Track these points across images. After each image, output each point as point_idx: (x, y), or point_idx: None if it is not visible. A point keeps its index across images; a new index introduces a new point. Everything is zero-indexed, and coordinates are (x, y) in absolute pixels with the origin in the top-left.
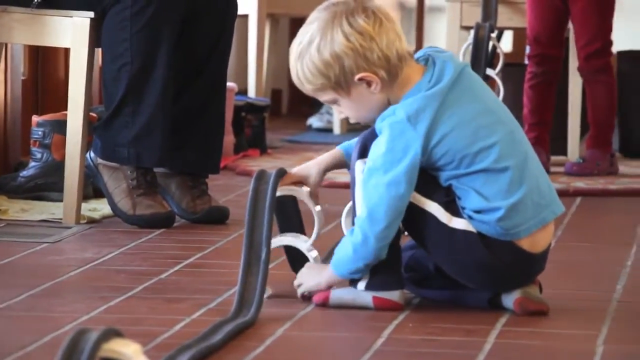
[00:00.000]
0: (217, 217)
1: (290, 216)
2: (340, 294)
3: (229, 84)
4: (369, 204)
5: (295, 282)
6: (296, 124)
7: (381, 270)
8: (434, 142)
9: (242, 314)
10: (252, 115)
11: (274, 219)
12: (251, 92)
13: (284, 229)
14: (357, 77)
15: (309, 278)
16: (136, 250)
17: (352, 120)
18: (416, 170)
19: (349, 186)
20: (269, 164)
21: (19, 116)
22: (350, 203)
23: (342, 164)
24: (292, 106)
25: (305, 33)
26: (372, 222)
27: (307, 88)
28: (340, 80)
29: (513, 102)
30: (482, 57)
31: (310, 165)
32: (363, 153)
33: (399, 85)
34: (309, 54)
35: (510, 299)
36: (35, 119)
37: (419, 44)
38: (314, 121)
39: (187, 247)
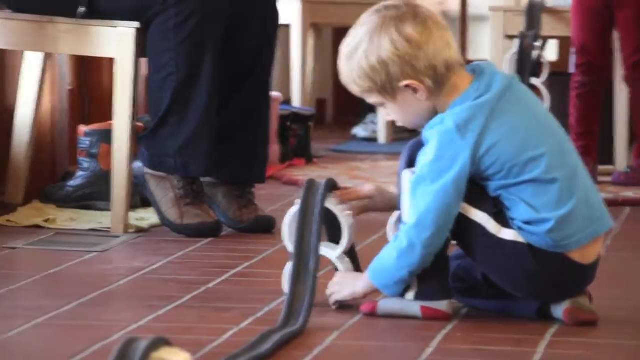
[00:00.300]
0: (264, 227)
1: (338, 226)
2: (388, 304)
3: (274, 93)
4: (417, 212)
5: (328, 291)
6: (341, 134)
7: (429, 280)
8: (482, 151)
9: (290, 323)
10: (297, 124)
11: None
12: (296, 102)
13: (331, 239)
14: (402, 84)
15: (343, 287)
16: (184, 259)
17: (398, 124)
18: (464, 179)
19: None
20: (315, 174)
21: (65, 126)
22: (397, 213)
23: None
24: (337, 115)
25: (355, 36)
26: (420, 230)
27: (354, 89)
28: (386, 85)
29: (558, 111)
30: (526, 66)
31: (383, 191)
32: (410, 163)
33: (446, 93)
34: (357, 57)
35: (560, 309)
36: (82, 128)
37: (463, 53)
38: (359, 130)
39: (234, 257)
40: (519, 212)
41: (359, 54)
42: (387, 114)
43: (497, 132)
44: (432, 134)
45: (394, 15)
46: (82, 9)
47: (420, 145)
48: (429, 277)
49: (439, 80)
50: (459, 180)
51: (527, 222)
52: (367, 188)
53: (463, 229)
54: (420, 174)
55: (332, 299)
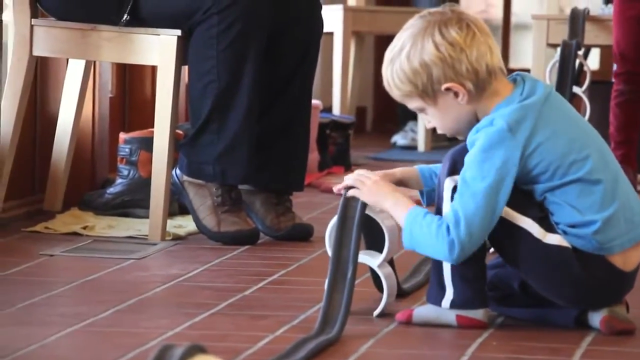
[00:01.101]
0: (301, 235)
1: (377, 233)
2: (423, 312)
3: (314, 101)
4: (465, 212)
5: (344, 184)
6: (380, 142)
7: (465, 288)
8: (530, 150)
9: (326, 331)
10: (336, 132)
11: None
12: (336, 110)
13: (370, 247)
14: (444, 86)
15: (369, 192)
16: (221, 266)
17: (439, 131)
18: (512, 179)
19: (433, 203)
20: None
21: (106, 133)
22: None
23: (415, 183)
24: (377, 124)
25: (399, 39)
26: (465, 230)
27: (395, 94)
28: (428, 88)
29: (599, 120)
30: (568, 74)
31: (409, 171)
32: (452, 170)
33: (488, 97)
34: (399, 60)
35: (597, 318)
36: (122, 136)
37: (505, 61)
38: (399, 139)
39: (271, 264)
40: (563, 215)
41: (402, 56)
42: (427, 121)
43: (544, 134)
44: (479, 137)
45: (439, 19)
46: (125, 17)
47: (462, 153)
48: (465, 285)
49: (480, 85)
50: (509, 180)
51: (572, 226)
52: (399, 170)
53: (507, 235)
54: (470, 175)
55: (344, 191)
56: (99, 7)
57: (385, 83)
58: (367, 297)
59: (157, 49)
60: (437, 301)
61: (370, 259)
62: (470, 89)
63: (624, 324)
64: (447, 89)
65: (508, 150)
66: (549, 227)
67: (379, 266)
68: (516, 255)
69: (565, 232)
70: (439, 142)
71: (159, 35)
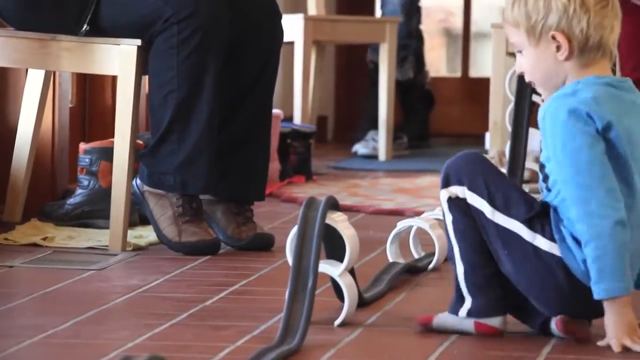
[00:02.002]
0: (263, 244)
1: (338, 242)
2: (443, 318)
3: (275, 110)
4: (576, 202)
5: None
6: (341, 151)
7: (481, 297)
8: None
9: (287, 341)
10: (297, 142)
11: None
12: (297, 119)
13: (330, 256)
14: (551, 33)
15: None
16: (181, 277)
17: (526, 78)
18: (603, 152)
19: (394, 213)
20: (315, 191)
21: (66, 144)
22: (395, 230)
23: None
24: (338, 133)
25: None
26: (586, 214)
27: (507, 17)
28: (537, 27)
29: None
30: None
31: None
32: (446, 182)
33: (584, 65)
34: None
35: (554, 320)
36: (82, 146)
37: (465, 70)
38: (360, 148)
39: (232, 274)
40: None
41: None
42: (519, 65)
43: (621, 125)
44: (558, 110)
45: None
46: (85, 27)
47: (457, 164)
48: (480, 294)
49: (585, 51)
50: (600, 155)
51: (575, 239)
52: None
53: (496, 235)
54: (557, 162)
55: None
56: (58, 17)
57: (505, 4)
58: (328, 306)
59: (117, 58)
60: (455, 311)
61: (331, 269)
62: (574, 48)
63: (579, 329)
64: (554, 38)
65: (592, 123)
66: (541, 229)
67: (340, 275)
68: (507, 258)
69: (563, 240)
70: (400, 151)
71: (119, 45)
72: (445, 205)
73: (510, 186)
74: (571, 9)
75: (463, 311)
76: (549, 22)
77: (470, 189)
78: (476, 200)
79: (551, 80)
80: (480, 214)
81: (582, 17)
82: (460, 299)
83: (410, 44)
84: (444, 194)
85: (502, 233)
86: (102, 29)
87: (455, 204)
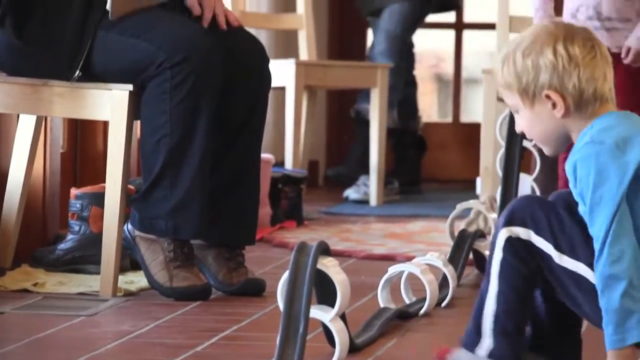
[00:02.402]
0: (254, 290)
1: (329, 288)
2: (461, 355)
3: (266, 155)
4: (606, 242)
5: None
6: (333, 196)
7: (505, 343)
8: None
9: None
10: (288, 186)
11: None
12: (288, 164)
13: (321, 301)
14: (545, 92)
15: None
16: (172, 322)
17: (527, 136)
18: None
19: (385, 258)
20: (306, 236)
21: (57, 189)
22: (386, 275)
23: None
24: (329, 178)
25: (522, 35)
26: (613, 259)
27: (498, 81)
28: (529, 89)
29: (550, 174)
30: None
31: None
32: (509, 222)
33: (586, 117)
34: (514, 53)
35: None
36: (73, 191)
37: (456, 115)
38: (351, 193)
39: (223, 320)
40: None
41: (519, 50)
42: (517, 125)
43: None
44: (587, 156)
45: (568, 32)
46: (77, 73)
47: (522, 203)
48: (505, 339)
49: (581, 105)
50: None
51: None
52: None
53: (567, 278)
54: (592, 202)
55: None
56: (50, 63)
57: (495, 69)
58: (320, 352)
59: (109, 104)
60: (472, 348)
61: (322, 314)
62: (570, 104)
63: None
64: (547, 97)
65: (622, 166)
66: (569, 248)
67: (331, 321)
68: (583, 299)
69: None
70: (391, 196)
71: (110, 90)
72: (501, 243)
73: (573, 227)
74: (560, 66)
75: (482, 350)
76: (541, 81)
77: (537, 232)
78: (542, 244)
79: (552, 138)
80: (547, 257)
81: (573, 73)
82: (478, 336)
83: (397, 89)
84: (504, 233)
85: (572, 276)
86: (95, 75)
87: (514, 244)
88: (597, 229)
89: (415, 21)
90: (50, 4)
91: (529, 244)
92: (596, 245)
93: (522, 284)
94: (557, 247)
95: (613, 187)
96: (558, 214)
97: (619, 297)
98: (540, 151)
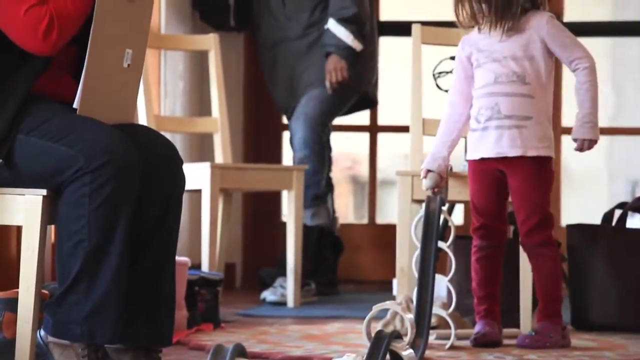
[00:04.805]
0: None
1: None
2: None
3: (182, 258)
4: None
5: None
6: (250, 298)
7: None
8: None
9: None
10: (205, 289)
11: None
12: (204, 266)
13: None
14: None
15: None
16: None
17: None
18: None
19: None
20: (223, 338)
21: None
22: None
23: None
24: (245, 280)
25: None
26: None
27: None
28: None
29: (465, 274)
30: (433, 230)
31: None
32: None
33: None
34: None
35: None
36: None
37: (372, 217)
38: (268, 294)
39: None
40: None
41: None
42: None
43: None
44: None
45: None
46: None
47: None
48: None
49: None
50: None
51: None
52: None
53: None
54: None
55: None
56: None
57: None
58: None
59: (22, 208)
60: None
61: None
62: None
63: None
64: None
65: None
66: None
67: None
68: None
69: None
70: (309, 297)
71: (23, 195)
72: None
73: None
74: None
75: None
76: None
77: None
78: None
79: None
80: None
81: None
82: None
83: (320, 175)
84: None
85: None
86: (16, 166)
87: None
88: None
89: (334, 106)
90: None
91: None
92: None
93: None
94: None
95: None
96: None
97: None
98: (455, 252)
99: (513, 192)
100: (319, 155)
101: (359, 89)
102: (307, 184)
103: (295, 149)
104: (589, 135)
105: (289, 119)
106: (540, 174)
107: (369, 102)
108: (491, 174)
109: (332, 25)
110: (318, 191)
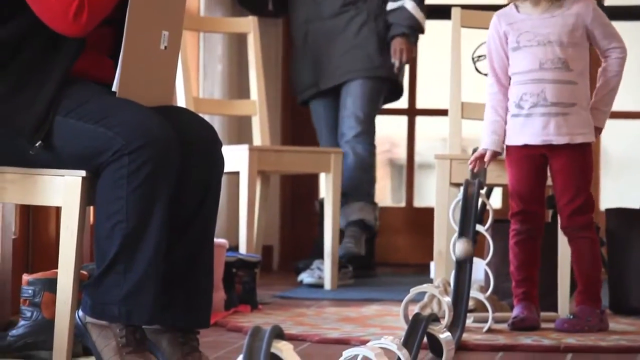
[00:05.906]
0: None
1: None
2: None
3: (220, 240)
4: None
5: None
6: (287, 280)
7: None
8: None
9: None
10: (243, 271)
11: None
12: (242, 249)
13: None
14: None
15: None
16: None
17: None
18: None
19: (339, 342)
20: (260, 320)
21: (9, 275)
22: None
23: None
24: (283, 262)
25: None
26: None
27: None
28: None
29: (503, 258)
30: (471, 213)
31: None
32: None
33: None
34: None
35: None
36: (25, 277)
37: (409, 200)
38: (305, 277)
39: None
40: None
41: None
42: None
43: None
44: None
45: None
46: (39, 143)
47: None
48: None
49: None
50: None
51: None
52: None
53: None
54: None
55: None
56: (16, 129)
57: None
58: None
59: (62, 190)
60: None
61: None
62: None
63: None
64: None
65: None
66: None
67: None
68: None
69: None
70: (346, 280)
71: (63, 176)
72: None
73: None
74: None
75: None
76: None
77: None
78: None
79: None
80: None
81: None
82: None
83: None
84: None
85: None
86: (55, 148)
87: None
88: None
89: (377, 100)
90: (25, 70)
91: None
92: None
93: None
94: None
95: None
96: None
97: None
98: (493, 236)
99: (556, 175)
100: (373, 146)
101: (392, 75)
102: (366, 179)
103: (349, 147)
104: (601, 124)
105: (305, 98)
106: (583, 158)
107: (398, 92)
108: (534, 159)
109: (411, 6)
110: (372, 190)
